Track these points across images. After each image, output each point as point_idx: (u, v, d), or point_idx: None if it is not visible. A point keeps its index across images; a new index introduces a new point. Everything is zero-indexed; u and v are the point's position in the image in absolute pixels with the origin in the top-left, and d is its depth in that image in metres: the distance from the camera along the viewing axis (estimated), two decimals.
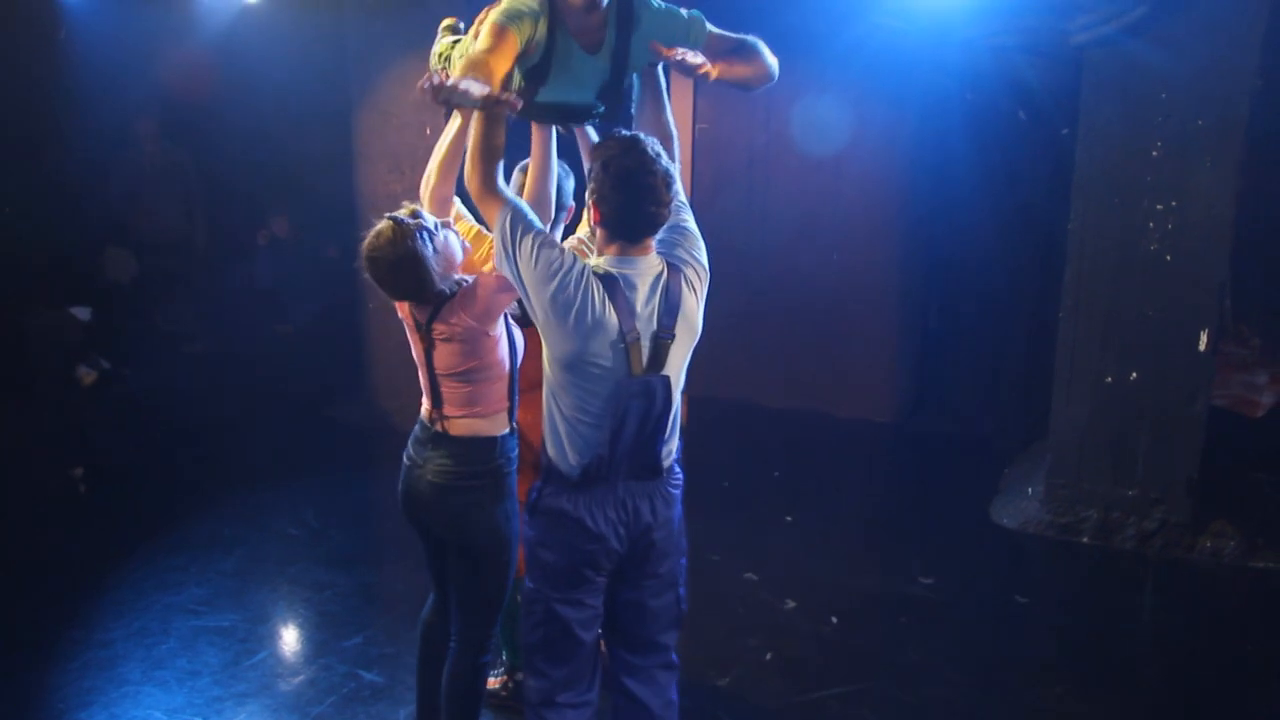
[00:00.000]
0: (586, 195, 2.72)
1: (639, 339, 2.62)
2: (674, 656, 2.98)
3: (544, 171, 3.04)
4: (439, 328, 2.94)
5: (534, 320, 2.66)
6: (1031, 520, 5.64)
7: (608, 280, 2.60)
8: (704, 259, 2.79)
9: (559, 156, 3.12)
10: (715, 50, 2.77)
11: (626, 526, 2.75)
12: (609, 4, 2.66)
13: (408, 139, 6.69)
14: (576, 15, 2.64)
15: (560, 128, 3.09)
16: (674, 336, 2.66)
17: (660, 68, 2.91)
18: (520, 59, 2.63)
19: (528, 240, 2.59)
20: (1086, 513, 5.52)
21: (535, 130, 3.02)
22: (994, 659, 4.41)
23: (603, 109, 2.90)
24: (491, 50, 2.50)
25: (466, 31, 2.96)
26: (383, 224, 2.86)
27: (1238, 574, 5.16)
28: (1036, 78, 6.35)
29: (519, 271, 2.61)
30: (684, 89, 6.14)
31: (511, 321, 3.10)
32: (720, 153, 7.55)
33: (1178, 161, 5.10)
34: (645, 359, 2.64)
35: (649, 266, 2.66)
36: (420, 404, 3.14)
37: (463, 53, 2.83)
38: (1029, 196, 6.79)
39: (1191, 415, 5.25)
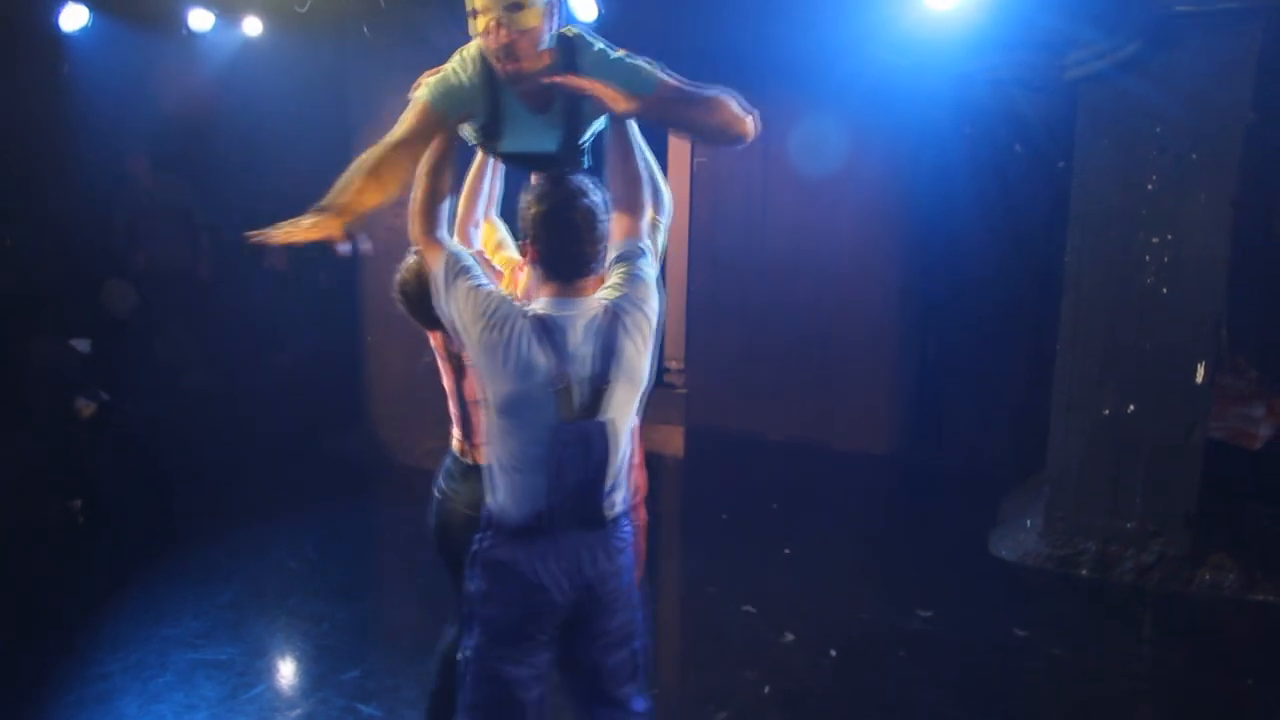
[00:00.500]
0: (518, 236, 2.72)
1: (569, 383, 2.55)
2: (640, 703, 2.84)
3: (473, 194, 3.15)
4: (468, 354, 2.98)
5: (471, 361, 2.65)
6: (1030, 553, 5.63)
7: (538, 322, 2.55)
8: (653, 307, 2.68)
9: None
10: (667, 97, 2.66)
11: (569, 577, 2.64)
12: (552, 65, 2.64)
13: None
14: (512, 81, 2.65)
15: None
16: (609, 382, 2.58)
17: None
18: (467, 119, 2.73)
19: (461, 281, 2.59)
20: (1085, 545, 5.51)
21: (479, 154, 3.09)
22: (993, 692, 4.39)
23: (582, 158, 2.89)
24: (397, 141, 2.65)
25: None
26: (412, 258, 2.96)
27: (1237, 607, 5.15)
28: (1033, 111, 6.38)
29: (451, 312, 2.60)
30: None
31: None
32: (719, 187, 7.61)
33: (1173, 195, 5.14)
34: (578, 404, 2.56)
35: (586, 309, 2.60)
36: (450, 434, 3.17)
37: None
38: (1026, 229, 6.81)
39: (1189, 447, 5.26)
